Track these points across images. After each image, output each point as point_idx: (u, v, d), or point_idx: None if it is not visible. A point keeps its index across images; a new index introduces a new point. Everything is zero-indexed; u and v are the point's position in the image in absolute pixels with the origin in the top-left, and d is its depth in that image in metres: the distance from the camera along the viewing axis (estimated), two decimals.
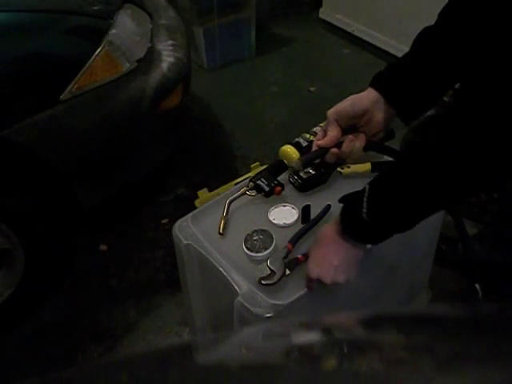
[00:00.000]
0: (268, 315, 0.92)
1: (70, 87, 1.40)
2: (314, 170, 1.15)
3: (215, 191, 1.80)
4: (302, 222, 1.08)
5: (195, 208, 1.16)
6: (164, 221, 2.05)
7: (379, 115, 0.99)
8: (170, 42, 1.70)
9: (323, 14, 3.44)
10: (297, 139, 1.18)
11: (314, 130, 1.19)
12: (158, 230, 2.02)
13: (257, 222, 1.08)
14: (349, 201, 0.89)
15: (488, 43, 0.80)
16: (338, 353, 0.49)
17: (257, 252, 1.01)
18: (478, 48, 0.83)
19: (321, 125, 1.20)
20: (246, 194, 1.11)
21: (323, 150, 1.05)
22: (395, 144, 1.19)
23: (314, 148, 1.07)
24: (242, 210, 1.13)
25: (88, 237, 1.99)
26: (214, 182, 1.90)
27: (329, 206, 1.09)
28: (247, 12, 3.01)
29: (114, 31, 1.50)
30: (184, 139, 2.25)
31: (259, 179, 1.12)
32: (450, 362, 0.45)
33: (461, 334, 0.52)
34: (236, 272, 0.99)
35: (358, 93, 1.01)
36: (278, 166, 1.16)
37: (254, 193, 1.11)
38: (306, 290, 0.96)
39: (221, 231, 1.06)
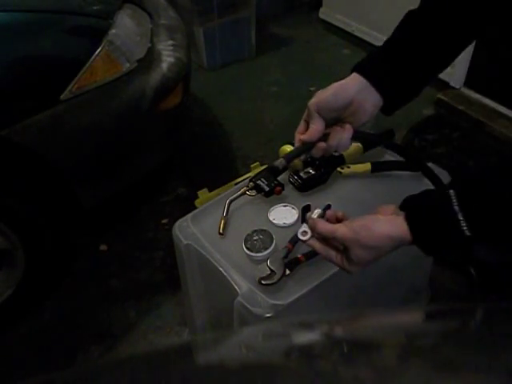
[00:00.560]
0: (268, 315, 0.92)
1: (70, 87, 1.40)
2: (313, 170, 1.15)
3: (215, 191, 1.80)
4: (302, 222, 1.08)
5: (195, 208, 1.16)
6: (164, 221, 2.05)
7: (366, 104, 0.91)
8: (170, 42, 1.70)
9: (323, 14, 3.45)
10: None
11: None
12: (158, 229, 2.02)
13: (257, 222, 1.08)
14: (426, 212, 0.76)
15: None
16: (337, 353, 0.49)
17: (257, 252, 1.01)
18: None
19: None
20: (246, 193, 1.11)
21: (307, 146, 0.96)
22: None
23: (297, 143, 0.97)
24: (242, 210, 1.13)
25: (88, 237, 1.99)
26: (214, 182, 1.90)
27: (329, 206, 1.09)
28: (247, 12, 3.01)
29: (114, 31, 1.50)
30: (184, 139, 2.25)
31: (259, 179, 1.12)
32: (451, 364, 0.45)
33: (461, 334, 0.52)
34: (236, 272, 0.99)
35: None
36: (278, 166, 1.16)
37: (254, 193, 1.11)
38: (306, 290, 0.96)
39: (221, 231, 1.06)
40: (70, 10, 1.53)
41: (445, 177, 1.17)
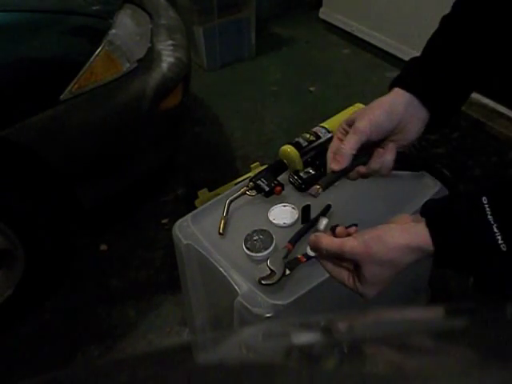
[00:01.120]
0: (268, 315, 0.92)
1: (69, 87, 1.40)
2: (313, 170, 1.15)
3: (215, 191, 1.80)
4: (302, 222, 1.08)
5: (195, 208, 1.16)
6: (164, 221, 2.05)
7: (414, 121, 0.81)
8: (170, 42, 1.70)
9: (323, 14, 3.45)
10: (297, 139, 1.18)
11: (314, 129, 1.19)
12: (158, 229, 2.02)
13: (257, 222, 1.08)
14: (453, 218, 0.65)
15: None
16: (338, 353, 0.49)
17: (257, 252, 1.01)
18: None
19: (322, 125, 1.20)
20: (246, 193, 1.11)
21: (341, 173, 0.82)
22: None
23: (330, 166, 0.81)
24: (241, 210, 1.13)
25: (88, 237, 1.99)
26: (214, 182, 1.91)
27: (329, 206, 1.09)
28: (247, 12, 3.01)
29: (114, 31, 1.50)
30: (184, 139, 2.25)
31: (259, 179, 1.12)
32: (451, 363, 0.45)
33: (460, 335, 0.52)
34: (236, 272, 0.99)
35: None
36: (278, 166, 1.16)
37: (254, 193, 1.11)
38: (306, 290, 0.96)
39: (221, 231, 1.06)
40: (69, 10, 1.53)
41: None
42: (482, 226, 0.61)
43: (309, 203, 1.08)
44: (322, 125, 1.19)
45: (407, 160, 1.14)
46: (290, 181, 1.17)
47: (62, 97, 1.40)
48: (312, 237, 0.76)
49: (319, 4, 3.45)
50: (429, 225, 0.65)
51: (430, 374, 0.43)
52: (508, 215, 0.60)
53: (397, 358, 0.49)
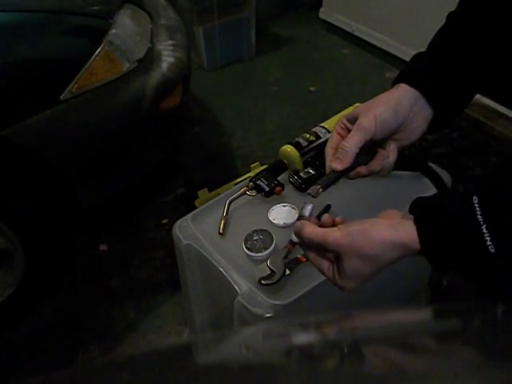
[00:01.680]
0: (268, 315, 0.92)
1: (70, 87, 1.40)
2: (313, 170, 1.15)
3: (215, 191, 1.80)
4: None
5: (195, 208, 1.16)
6: (164, 221, 2.05)
7: (419, 119, 0.78)
8: (170, 42, 1.70)
9: (323, 14, 3.44)
10: (297, 139, 1.18)
11: (314, 130, 1.19)
12: (158, 229, 2.02)
13: (257, 222, 1.08)
14: (441, 216, 0.62)
15: None
16: (337, 353, 0.49)
17: (257, 252, 1.01)
18: None
19: (322, 125, 1.20)
20: (246, 194, 1.11)
21: (341, 173, 0.79)
22: None
23: (329, 164, 0.78)
24: (242, 210, 1.13)
25: (88, 237, 1.99)
26: (214, 182, 1.91)
27: (329, 206, 1.09)
28: (247, 12, 3.01)
29: (114, 31, 1.50)
30: (184, 139, 2.25)
31: (259, 179, 1.12)
32: (451, 363, 0.45)
33: (460, 335, 0.52)
34: (236, 272, 0.99)
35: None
36: (278, 166, 1.16)
37: (254, 193, 1.11)
38: (306, 290, 0.96)
39: (221, 231, 1.06)
40: (70, 10, 1.53)
41: (445, 177, 1.17)
42: (470, 226, 0.59)
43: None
44: (321, 125, 1.19)
45: (404, 160, 1.14)
46: (289, 181, 1.17)
47: (61, 97, 1.40)
48: (297, 224, 0.73)
49: (319, 4, 3.45)
50: (416, 222, 0.64)
51: (429, 374, 0.43)
52: (498, 216, 0.58)
53: (396, 358, 0.49)
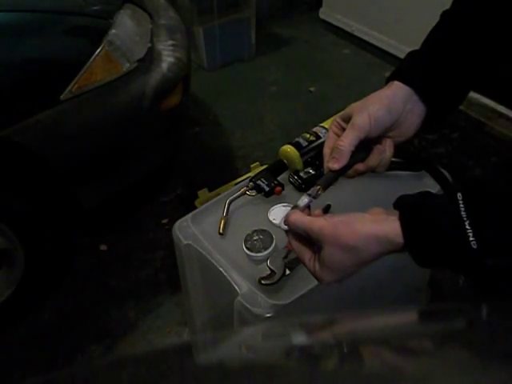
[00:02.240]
0: (268, 315, 0.92)
1: (70, 87, 1.40)
2: (313, 170, 1.15)
3: (215, 191, 1.80)
4: None
5: (195, 208, 1.16)
6: (164, 221, 2.05)
7: (413, 116, 0.79)
8: (170, 42, 1.70)
9: (323, 14, 3.45)
10: (297, 139, 1.18)
11: (314, 130, 1.19)
12: (158, 229, 2.02)
13: (257, 222, 1.08)
14: (426, 212, 0.63)
15: None
16: (338, 353, 0.49)
17: (257, 252, 1.01)
18: None
19: (322, 125, 1.20)
20: (246, 194, 1.11)
21: (339, 172, 0.80)
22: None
23: (327, 164, 0.80)
24: (242, 210, 1.13)
25: (88, 237, 1.99)
26: (214, 182, 1.91)
27: (329, 206, 1.09)
28: (247, 12, 3.01)
29: (114, 31, 1.50)
30: (184, 139, 2.25)
31: (259, 179, 1.12)
32: (452, 363, 0.45)
33: (460, 335, 0.52)
34: (236, 272, 0.99)
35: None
36: (278, 166, 1.16)
37: (254, 193, 1.11)
38: (306, 289, 0.96)
39: (221, 231, 1.06)
40: (70, 10, 1.53)
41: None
42: (453, 221, 0.59)
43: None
44: (321, 125, 1.19)
45: (407, 159, 1.14)
46: (290, 181, 1.16)
47: (62, 97, 1.40)
48: (288, 211, 0.75)
49: (319, 4, 3.46)
50: (401, 216, 0.64)
51: (428, 374, 0.43)
52: (481, 213, 0.58)
53: (396, 358, 0.49)
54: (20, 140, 1.39)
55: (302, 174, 1.15)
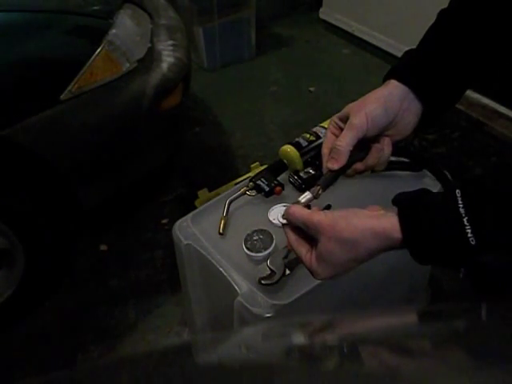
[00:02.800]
0: (268, 315, 0.92)
1: (70, 87, 1.40)
2: (313, 170, 1.15)
3: (215, 191, 1.80)
4: None
5: (195, 208, 1.16)
6: (164, 221, 2.05)
7: (410, 115, 0.79)
8: (170, 42, 1.70)
9: (323, 14, 3.45)
10: (297, 139, 1.18)
11: (314, 129, 1.19)
12: (158, 230, 2.02)
13: (257, 222, 1.08)
14: (424, 208, 0.62)
15: None
16: (337, 353, 0.49)
17: (257, 252, 1.01)
18: None
19: (322, 125, 1.20)
20: (246, 194, 1.11)
21: (338, 172, 0.81)
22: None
23: (326, 164, 0.81)
24: (241, 210, 1.13)
25: (88, 237, 1.99)
26: (214, 182, 1.91)
27: (329, 206, 1.09)
28: (247, 12, 3.01)
29: (114, 31, 1.50)
30: (184, 139, 2.25)
31: (259, 179, 1.12)
32: (452, 363, 0.45)
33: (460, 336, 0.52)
34: (236, 272, 0.99)
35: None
36: (278, 166, 1.16)
37: (254, 193, 1.11)
38: (306, 289, 0.96)
39: (221, 231, 1.06)
40: (70, 10, 1.53)
41: None
42: (452, 217, 0.59)
43: (309, 203, 1.08)
44: (321, 125, 1.19)
45: (410, 158, 1.14)
46: (290, 181, 1.16)
47: (62, 97, 1.40)
48: (288, 206, 0.76)
49: (319, 4, 3.46)
50: (399, 212, 0.64)
51: (428, 374, 0.43)
52: (480, 209, 0.58)
53: (396, 359, 0.49)
54: (20, 140, 1.39)
55: (302, 174, 1.14)
